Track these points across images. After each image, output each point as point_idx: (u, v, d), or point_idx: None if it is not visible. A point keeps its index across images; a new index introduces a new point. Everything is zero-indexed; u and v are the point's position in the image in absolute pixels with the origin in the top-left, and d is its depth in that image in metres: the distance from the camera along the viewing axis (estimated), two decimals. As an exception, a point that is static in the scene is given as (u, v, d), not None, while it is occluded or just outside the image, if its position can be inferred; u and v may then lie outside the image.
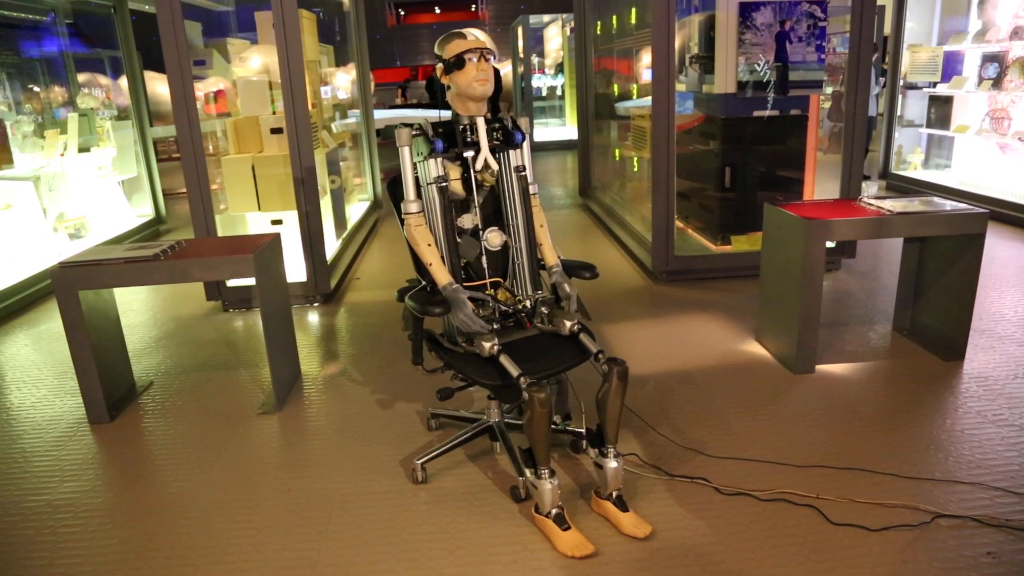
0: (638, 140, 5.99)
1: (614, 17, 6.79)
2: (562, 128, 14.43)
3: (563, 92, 14.88)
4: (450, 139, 2.46)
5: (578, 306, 2.59)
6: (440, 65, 2.45)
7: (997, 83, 6.81)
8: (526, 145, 2.59)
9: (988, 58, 6.97)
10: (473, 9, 25.42)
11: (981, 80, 7.02)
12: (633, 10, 6.07)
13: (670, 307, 4.44)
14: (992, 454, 2.73)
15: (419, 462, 2.66)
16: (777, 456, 2.75)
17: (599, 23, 7.37)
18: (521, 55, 14.41)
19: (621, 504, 2.37)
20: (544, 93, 15.58)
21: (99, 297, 3.31)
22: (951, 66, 7.61)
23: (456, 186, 2.51)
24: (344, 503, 2.57)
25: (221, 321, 4.60)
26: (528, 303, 2.53)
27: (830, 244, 4.82)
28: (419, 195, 2.48)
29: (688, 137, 5.41)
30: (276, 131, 4.97)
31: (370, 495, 2.61)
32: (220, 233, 4.58)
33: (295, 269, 4.61)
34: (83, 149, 6.71)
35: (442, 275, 2.40)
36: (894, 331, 3.91)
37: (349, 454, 2.90)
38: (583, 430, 2.61)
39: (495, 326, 2.46)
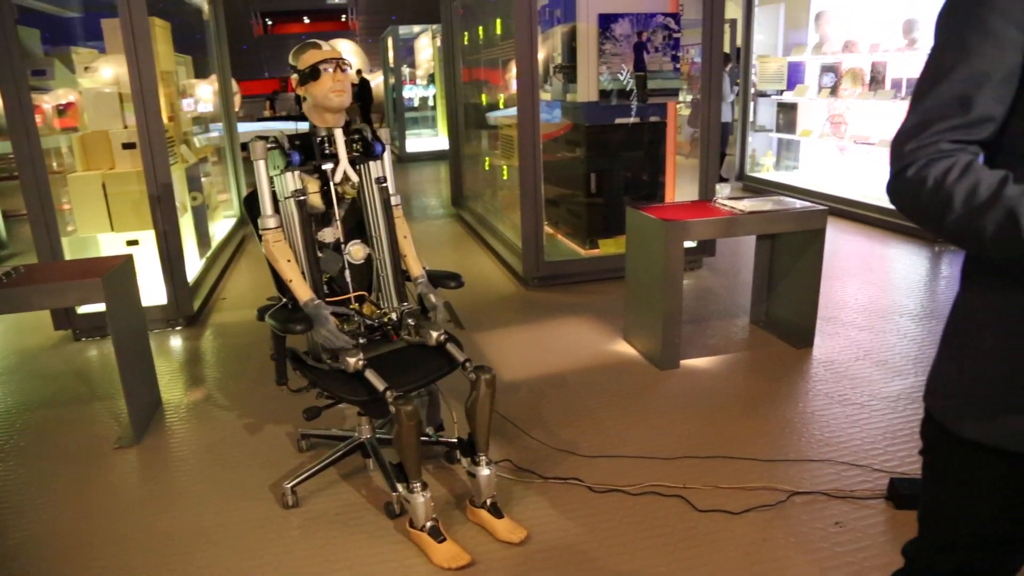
0: (507, 149, 6.06)
1: (480, 28, 6.85)
2: (435, 138, 14.41)
3: (435, 103, 14.88)
4: (308, 151, 2.40)
5: (451, 315, 2.59)
6: (295, 76, 2.39)
7: (834, 91, 7.36)
8: (387, 156, 2.57)
9: (826, 68, 7.52)
10: (343, 19, 25.02)
11: (820, 88, 7.57)
12: (498, 21, 6.16)
13: (542, 312, 4.51)
14: (838, 432, 2.94)
15: (288, 486, 2.57)
16: (646, 451, 2.84)
17: (466, 34, 7.43)
18: (392, 66, 14.31)
19: (496, 511, 2.38)
20: (416, 104, 15.52)
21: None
22: (795, 75, 8.17)
23: (315, 199, 2.45)
24: (211, 536, 2.45)
25: (72, 352, 4.29)
26: (394, 315, 2.50)
27: (691, 244, 5.06)
28: (277, 210, 2.40)
29: (555, 145, 5.53)
30: (128, 146, 4.70)
31: (239, 525, 2.50)
32: (68, 256, 4.28)
33: (154, 291, 4.36)
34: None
35: (303, 291, 2.34)
36: (751, 323, 4.14)
37: (215, 483, 2.77)
38: (456, 440, 2.61)
39: (361, 341, 2.42)
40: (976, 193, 0.93)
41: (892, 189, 1.06)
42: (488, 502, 2.38)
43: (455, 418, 2.73)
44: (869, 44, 6.95)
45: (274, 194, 2.40)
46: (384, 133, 2.56)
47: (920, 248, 5.63)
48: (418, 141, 14.21)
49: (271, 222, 2.38)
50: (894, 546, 2.16)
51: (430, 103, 15.23)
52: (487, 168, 7.04)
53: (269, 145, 2.37)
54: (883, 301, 4.48)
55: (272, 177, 2.39)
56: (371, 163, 2.51)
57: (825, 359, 3.63)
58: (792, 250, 3.73)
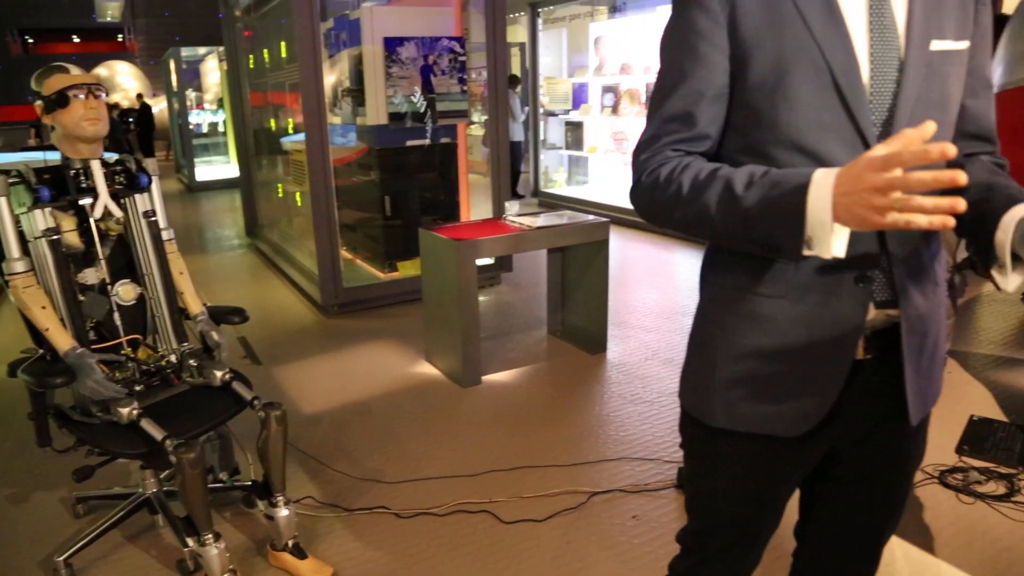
0: (299, 175, 5.90)
1: (265, 51, 6.63)
2: (227, 166, 13.72)
3: (226, 128, 14.18)
4: (60, 186, 2.19)
5: (247, 351, 2.46)
6: (39, 103, 2.17)
7: (615, 110, 7.88)
8: (155, 187, 2.40)
9: (606, 89, 8.05)
10: (120, 39, 23.16)
11: (603, 108, 8.08)
12: (283, 44, 5.99)
13: (343, 340, 4.42)
14: (632, 430, 3.12)
15: (60, 559, 2.31)
16: (452, 470, 2.86)
17: (251, 57, 7.15)
18: (176, 90, 13.46)
19: (298, 552, 2.28)
20: (206, 130, 14.70)
21: None
22: (580, 96, 8.66)
23: (72, 238, 2.23)
24: (-36, 627, 2.15)
25: None
26: (173, 357, 2.34)
27: (488, 260, 5.19)
28: (26, 251, 2.16)
29: (350, 169, 5.46)
30: None
31: (0, 609, 2.22)
32: None
33: None
34: None
35: (62, 340, 2.12)
36: (549, 334, 4.31)
37: (-30, 566, 2.44)
38: (250, 483, 2.47)
39: (137, 388, 2.23)
40: (698, 177, 1.06)
41: (632, 195, 1.18)
42: (289, 543, 2.28)
43: (250, 460, 2.59)
44: (643, 66, 7.52)
45: (22, 234, 2.16)
46: (151, 163, 2.39)
47: (700, 252, 6.16)
48: (209, 169, 13.46)
49: (18, 266, 2.14)
50: (681, 531, 2.32)
51: (220, 129, 14.50)
52: (281, 195, 6.81)
53: (11, 180, 2.14)
54: (668, 303, 4.84)
55: (19, 216, 2.15)
56: (137, 196, 2.34)
57: (618, 362, 3.86)
58: (581, 261, 3.93)
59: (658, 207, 1.13)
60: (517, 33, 10.94)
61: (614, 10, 8.71)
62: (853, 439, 1.22)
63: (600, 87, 8.15)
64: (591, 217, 3.81)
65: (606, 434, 3.11)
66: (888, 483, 1.28)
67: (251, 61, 7.19)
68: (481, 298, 5.14)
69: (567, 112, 8.81)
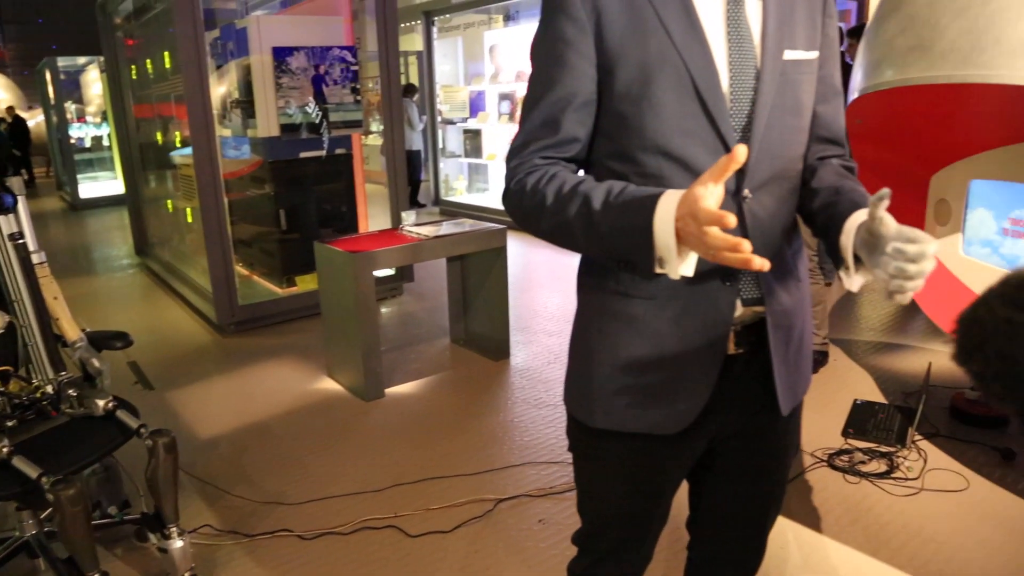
0: (188, 190, 5.69)
1: (148, 61, 6.36)
2: (114, 182, 13.07)
3: (111, 142, 13.50)
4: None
5: (138, 376, 2.35)
6: None
7: (511, 117, 7.96)
8: (22, 208, 2.26)
9: (503, 96, 8.12)
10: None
11: (500, 115, 8.15)
12: (166, 55, 5.76)
13: (241, 359, 4.28)
14: (537, 434, 3.16)
15: (-72, 610, 2.15)
16: (357, 487, 2.81)
17: (134, 67, 6.84)
18: (53, 102, 12.71)
19: (195, 583, 2.19)
20: (89, 144, 13.94)
21: None
22: (477, 104, 8.70)
23: (-74, 267, 2.08)
24: None
25: None
26: (50, 388, 2.21)
27: (389, 271, 5.14)
28: None
29: (243, 183, 5.31)
30: None
31: None
32: None
33: None
34: None
35: (-80, 376, 1.97)
36: (452, 343, 4.30)
37: None
38: (141, 515, 2.36)
39: (10, 423, 2.09)
40: (561, 190, 1.09)
41: (504, 201, 1.20)
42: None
43: (140, 491, 2.48)
44: (536, 74, 7.62)
45: None
46: (15, 182, 2.26)
47: (597, 255, 6.28)
48: (94, 186, 12.77)
49: None
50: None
51: (105, 143, 13.79)
52: (171, 211, 6.54)
53: None
54: (570, 307, 4.90)
55: None
56: (1, 218, 2.20)
57: (522, 367, 3.89)
58: (480, 269, 3.94)
59: (526, 216, 1.15)
60: (414, 41, 10.90)
61: (508, 19, 8.81)
62: (730, 432, 1.27)
63: (497, 95, 8.22)
64: (488, 224, 3.83)
65: (511, 440, 3.13)
66: (766, 472, 1.34)
67: (134, 72, 6.89)
68: (383, 310, 5.09)
69: (465, 120, 8.84)
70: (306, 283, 4.99)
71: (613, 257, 1.06)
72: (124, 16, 6.69)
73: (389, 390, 3.65)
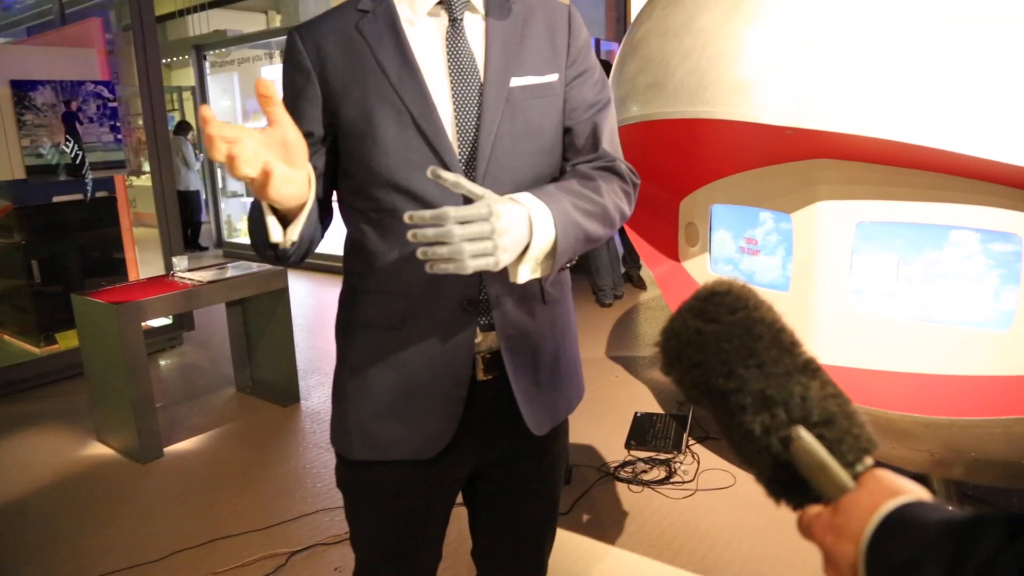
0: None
1: None
2: None
3: None
4: None
5: None
6: None
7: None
8: None
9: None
10: None
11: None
12: None
13: (-9, 432, 3.79)
14: (330, 479, 3.06)
15: None
16: (132, 559, 2.57)
17: None
18: None
19: None
20: None
21: None
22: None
23: None
24: None
25: None
26: None
27: (166, 320, 4.80)
28: None
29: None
30: None
31: None
32: None
33: None
34: None
35: None
36: (238, 391, 4.09)
37: None
38: None
39: None
40: (256, 207, 1.09)
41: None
42: None
43: None
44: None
45: None
46: None
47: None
48: None
49: None
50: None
51: None
52: None
53: None
54: (362, 343, 4.85)
55: None
56: None
57: (313, 411, 3.78)
58: (262, 312, 3.80)
59: (253, 242, 1.17)
60: (189, 76, 10.33)
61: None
62: (495, 457, 1.31)
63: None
64: (267, 266, 3.70)
65: (303, 488, 3.02)
66: (534, 493, 1.39)
67: None
68: (161, 362, 4.73)
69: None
70: (69, 340, 4.51)
71: (261, 242, 1.10)
72: None
73: (168, 448, 3.38)
